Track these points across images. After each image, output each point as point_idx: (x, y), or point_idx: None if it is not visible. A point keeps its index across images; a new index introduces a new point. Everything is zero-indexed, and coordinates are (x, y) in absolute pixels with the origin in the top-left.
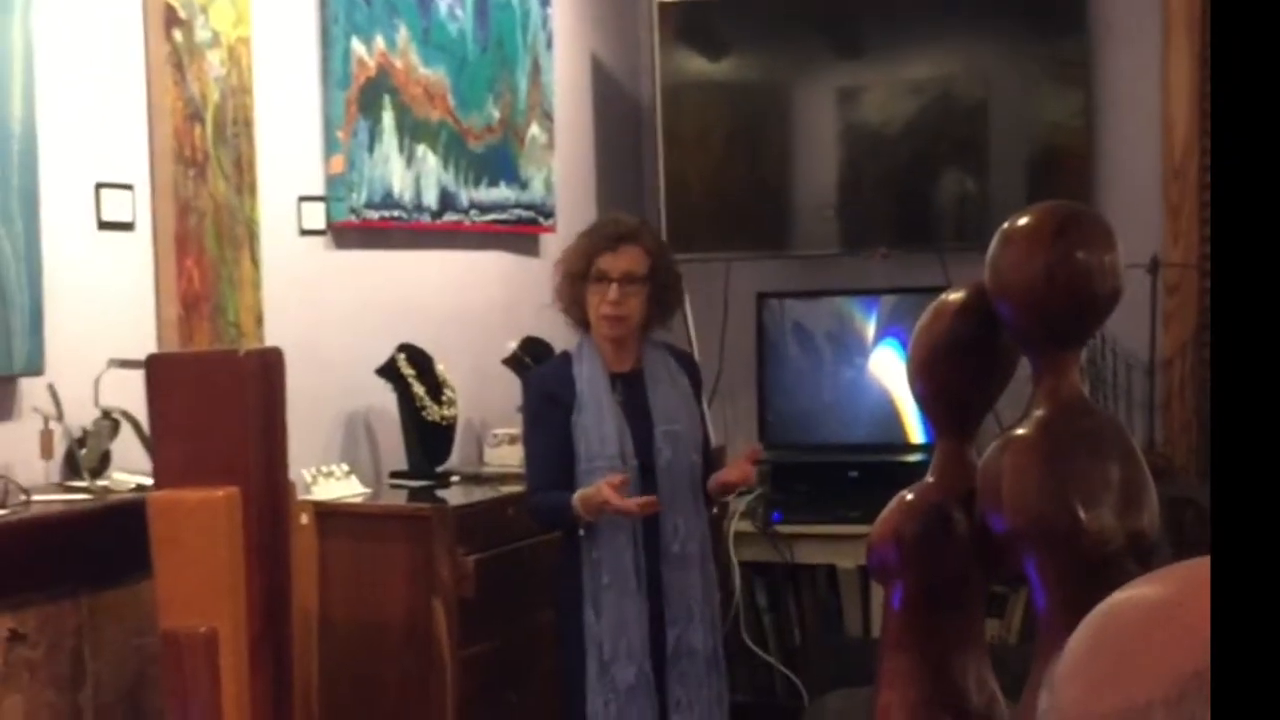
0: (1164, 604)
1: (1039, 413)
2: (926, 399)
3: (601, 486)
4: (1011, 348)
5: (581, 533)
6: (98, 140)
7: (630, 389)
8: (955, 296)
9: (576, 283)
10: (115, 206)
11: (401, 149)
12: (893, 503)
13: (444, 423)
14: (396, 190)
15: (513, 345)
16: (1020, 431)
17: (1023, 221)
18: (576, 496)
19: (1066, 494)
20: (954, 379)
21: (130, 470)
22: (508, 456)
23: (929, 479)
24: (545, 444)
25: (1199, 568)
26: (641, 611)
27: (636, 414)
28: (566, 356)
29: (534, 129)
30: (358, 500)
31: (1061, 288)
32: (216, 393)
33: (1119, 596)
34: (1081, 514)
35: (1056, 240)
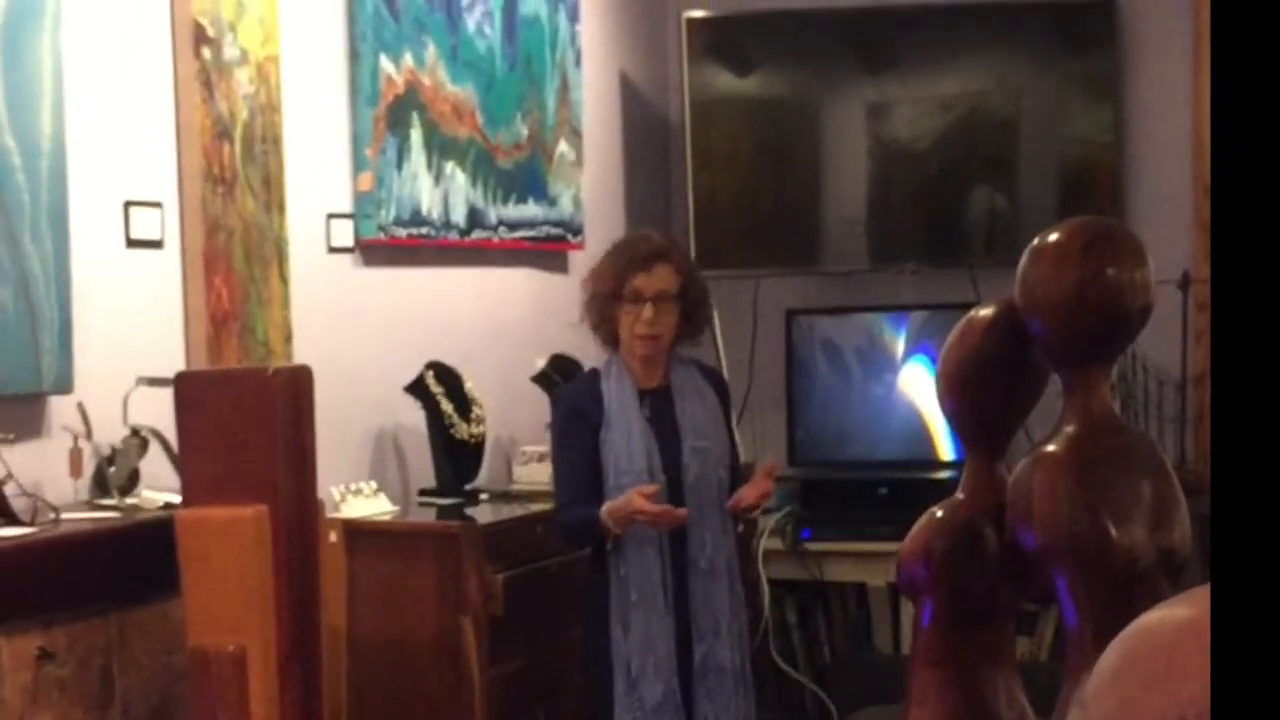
0: (1195, 623)
1: (1070, 429)
2: (956, 415)
3: (632, 496)
4: (1042, 364)
5: (610, 547)
6: (127, 158)
7: (659, 405)
8: (985, 313)
9: (608, 302)
10: (144, 224)
11: (430, 166)
12: (923, 519)
13: (472, 440)
14: (425, 207)
15: (541, 363)
16: (1051, 448)
17: (1053, 238)
18: (605, 509)
19: (1098, 511)
20: (984, 395)
21: (159, 488)
22: (537, 474)
23: (959, 495)
24: (574, 461)
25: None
26: (669, 628)
27: (665, 430)
28: (595, 374)
29: (562, 146)
30: (386, 518)
31: (1092, 304)
32: (245, 411)
33: (1150, 616)
34: (1112, 530)
35: (1087, 256)
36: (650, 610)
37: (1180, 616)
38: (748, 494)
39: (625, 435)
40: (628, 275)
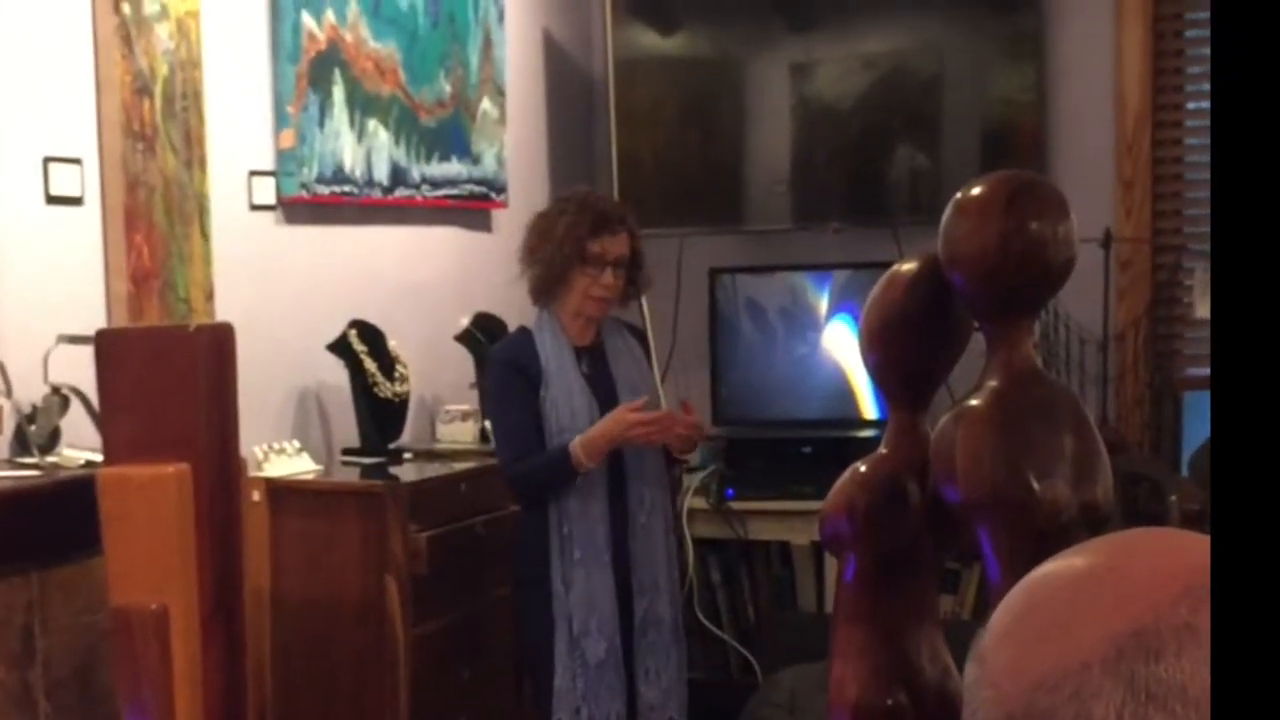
0: (1093, 570)
1: (992, 383)
2: (879, 370)
3: (620, 412)
4: (964, 319)
5: (579, 483)
6: (45, 114)
7: (594, 363)
8: (908, 267)
9: (568, 263)
10: (64, 181)
11: (352, 123)
12: (846, 474)
13: (396, 399)
14: (348, 165)
15: (465, 321)
16: (974, 402)
17: (975, 191)
18: (582, 439)
19: (1020, 465)
20: (907, 349)
21: (80, 447)
22: (460, 433)
23: (882, 450)
24: (519, 415)
25: (1128, 536)
26: (611, 586)
27: (602, 387)
28: (526, 332)
29: (485, 104)
30: (309, 477)
31: (1014, 257)
32: (167, 369)
33: (1046, 567)
34: (1035, 485)
35: (1009, 209)
36: (593, 568)
37: (1078, 565)
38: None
39: (566, 393)
40: (591, 238)
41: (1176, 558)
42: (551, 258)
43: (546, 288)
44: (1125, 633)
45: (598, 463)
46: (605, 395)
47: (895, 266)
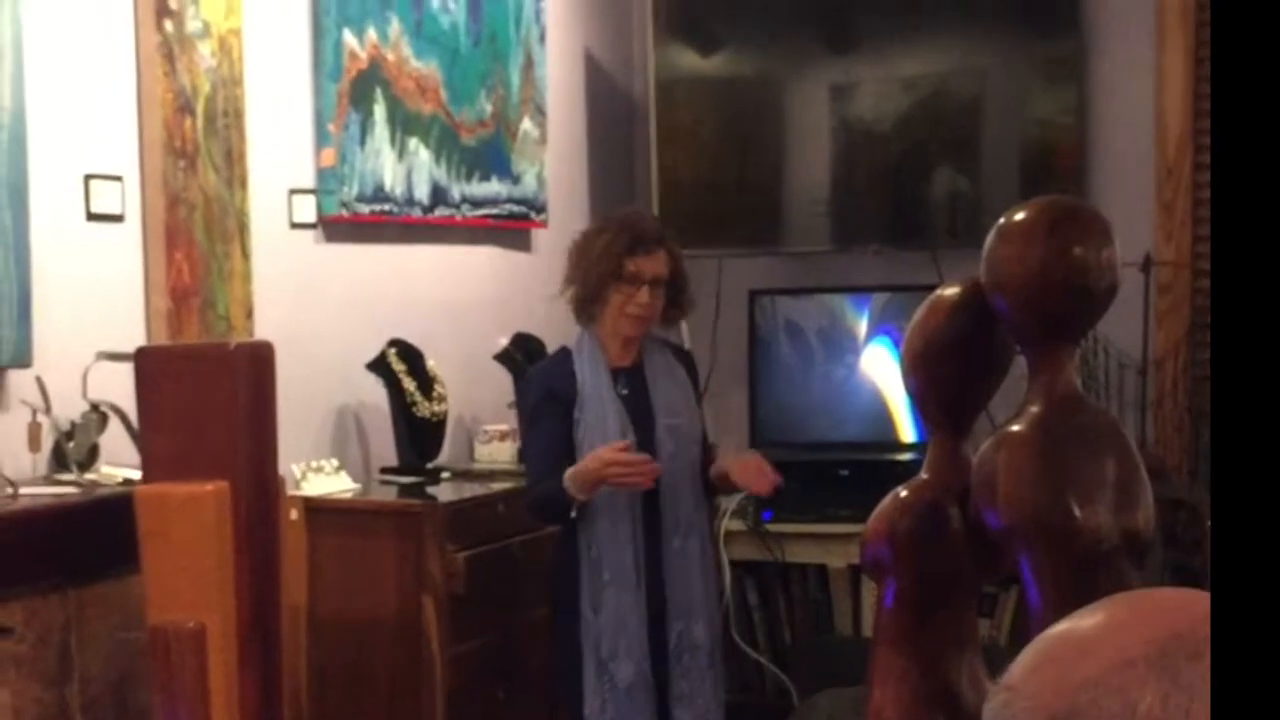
0: (1116, 609)
1: (1034, 409)
2: (921, 394)
3: (600, 450)
4: (1006, 344)
5: (574, 514)
6: (87, 131)
7: (633, 383)
8: (950, 292)
9: (604, 280)
10: (105, 198)
11: (393, 142)
12: (887, 499)
13: (434, 418)
14: (388, 184)
15: (504, 341)
16: (1015, 428)
17: (1019, 216)
18: (569, 472)
19: (1062, 491)
20: (948, 374)
21: (118, 464)
22: (498, 453)
23: (923, 475)
24: (546, 440)
25: (1133, 592)
26: (641, 608)
27: (639, 408)
28: (566, 352)
29: (526, 123)
30: (347, 496)
31: (1057, 282)
32: (206, 386)
33: (1057, 626)
34: (1077, 511)
35: (1053, 235)
36: (623, 590)
37: (1096, 613)
38: (742, 476)
39: (600, 414)
40: (627, 256)
41: (1191, 592)
42: (588, 275)
43: (584, 306)
44: (1167, 635)
45: (590, 495)
46: (642, 417)
47: (938, 291)
